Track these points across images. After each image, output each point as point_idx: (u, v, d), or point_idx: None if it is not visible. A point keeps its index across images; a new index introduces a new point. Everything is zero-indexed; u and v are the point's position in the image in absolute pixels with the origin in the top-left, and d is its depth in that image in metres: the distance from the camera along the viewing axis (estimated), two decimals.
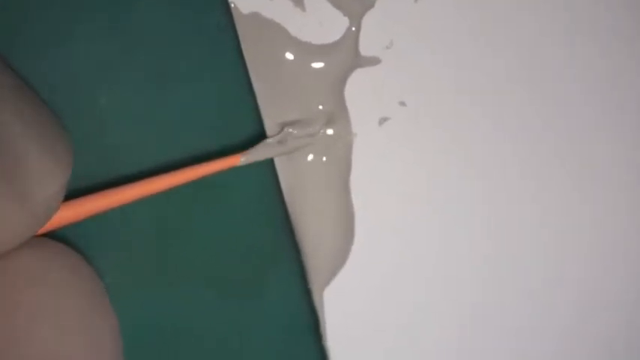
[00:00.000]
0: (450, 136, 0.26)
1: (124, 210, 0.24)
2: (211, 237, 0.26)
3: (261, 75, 0.25)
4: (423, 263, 0.26)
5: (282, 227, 0.26)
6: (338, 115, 0.26)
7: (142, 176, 0.25)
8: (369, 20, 0.26)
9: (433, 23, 0.26)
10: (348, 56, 0.26)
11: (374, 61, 0.26)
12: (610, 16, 0.26)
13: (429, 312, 0.26)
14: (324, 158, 0.26)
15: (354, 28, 0.26)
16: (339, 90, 0.26)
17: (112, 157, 0.25)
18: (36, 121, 0.22)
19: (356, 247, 0.26)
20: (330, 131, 0.26)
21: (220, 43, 0.25)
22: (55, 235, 0.24)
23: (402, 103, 0.26)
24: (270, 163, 0.25)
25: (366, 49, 0.26)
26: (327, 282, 0.26)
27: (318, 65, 0.25)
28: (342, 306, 0.26)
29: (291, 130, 0.25)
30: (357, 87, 0.26)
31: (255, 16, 0.25)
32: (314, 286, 0.26)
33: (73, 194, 0.24)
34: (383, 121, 0.26)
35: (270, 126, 0.25)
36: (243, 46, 0.25)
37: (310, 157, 0.26)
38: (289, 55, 0.25)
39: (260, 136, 0.25)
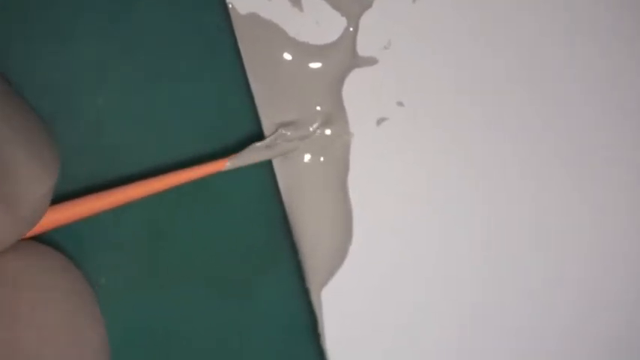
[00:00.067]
0: (449, 136, 0.26)
1: (118, 211, 0.24)
2: (209, 237, 0.26)
3: (259, 75, 0.25)
4: (421, 263, 0.26)
5: (280, 227, 0.26)
6: (336, 115, 0.26)
7: (140, 176, 0.25)
8: (366, 20, 0.26)
9: (431, 23, 0.26)
10: (345, 56, 0.26)
11: (372, 61, 0.26)
12: (610, 16, 0.26)
13: (428, 312, 0.26)
14: (322, 158, 0.26)
15: (351, 29, 0.26)
16: (336, 90, 0.26)
17: (110, 157, 0.25)
18: (24, 127, 0.22)
19: (354, 247, 0.26)
20: (327, 131, 0.26)
21: (218, 44, 0.25)
22: (48, 237, 0.24)
23: (400, 104, 0.26)
24: (268, 163, 0.26)
25: (363, 49, 0.26)
26: (325, 282, 0.26)
27: (315, 65, 0.25)
28: (340, 306, 0.26)
29: (284, 131, 0.25)
30: (355, 87, 0.26)
31: (253, 17, 0.25)
32: (312, 286, 0.26)
33: (71, 195, 0.24)
34: (381, 121, 0.26)
35: (267, 126, 0.25)
36: (241, 47, 0.25)
37: (308, 157, 0.26)
38: (287, 56, 0.25)
39: (258, 136, 0.26)
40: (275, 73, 0.25)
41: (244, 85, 0.25)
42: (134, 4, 0.25)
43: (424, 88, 0.26)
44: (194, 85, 0.25)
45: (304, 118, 0.25)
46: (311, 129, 0.25)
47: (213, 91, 0.25)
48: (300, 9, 0.25)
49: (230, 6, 0.25)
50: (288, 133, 0.25)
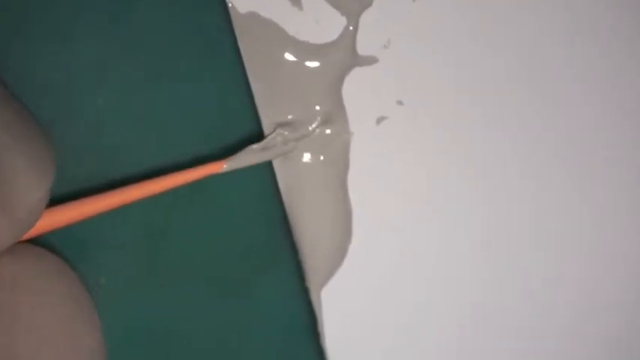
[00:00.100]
0: (448, 135, 0.26)
1: (118, 211, 0.24)
2: (209, 237, 0.26)
3: (259, 74, 0.25)
4: (421, 262, 0.26)
5: (280, 227, 0.26)
6: (336, 114, 0.26)
7: (140, 176, 0.25)
8: (366, 19, 0.26)
9: (431, 22, 0.26)
10: (345, 55, 0.26)
11: (371, 60, 0.26)
12: (610, 16, 0.26)
13: (428, 312, 0.26)
14: (322, 158, 0.26)
15: (351, 28, 0.26)
16: (336, 89, 0.26)
17: (110, 158, 0.25)
18: (23, 135, 0.22)
19: (354, 247, 0.26)
20: (327, 130, 0.26)
21: (218, 44, 0.25)
22: (48, 236, 0.24)
23: (400, 103, 0.26)
24: (267, 163, 0.26)
25: (363, 48, 0.26)
26: (325, 281, 0.26)
27: (315, 64, 0.25)
28: (340, 305, 0.26)
29: (282, 131, 0.25)
30: (355, 86, 0.26)
31: (253, 16, 0.25)
32: (312, 286, 0.26)
33: (70, 195, 0.24)
34: (380, 120, 0.26)
35: (267, 125, 0.25)
36: (241, 46, 0.25)
37: (308, 156, 0.26)
38: (287, 55, 0.25)
39: (258, 136, 0.26)
40: (275, 73, 0.25)
41: (244, 85, 0.25)
42: (134, 4, 0.25)
43: (424, 88, 0.26)
44: (194, 85, 0.25)
45: (304, 117, 0.25)
46: (310, 128, 0.25)
47: (213, 91, 0.25)
48: (300, 8, 0.25)
49: (230, 5, 0.25)
50: (286, 133, 0.25)
